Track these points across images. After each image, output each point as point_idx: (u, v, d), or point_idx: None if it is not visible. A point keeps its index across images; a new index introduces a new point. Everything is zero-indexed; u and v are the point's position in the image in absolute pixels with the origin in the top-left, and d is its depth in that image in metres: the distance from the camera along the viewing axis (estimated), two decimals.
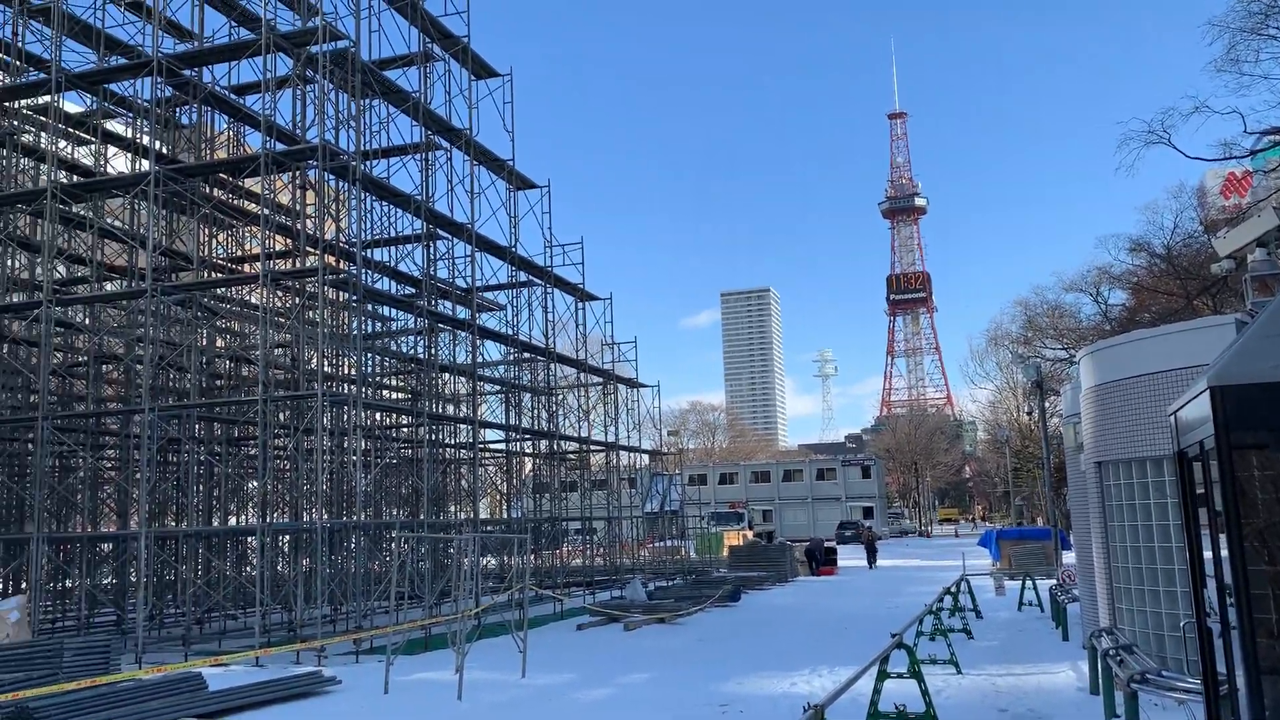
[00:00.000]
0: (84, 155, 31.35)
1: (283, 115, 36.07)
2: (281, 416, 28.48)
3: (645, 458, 47.36)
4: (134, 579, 26.13)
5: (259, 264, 24.55)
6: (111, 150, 30.82)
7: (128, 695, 13.89)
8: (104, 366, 30.67)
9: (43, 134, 29.41)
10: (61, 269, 29.16)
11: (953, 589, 23.58)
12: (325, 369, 26.15)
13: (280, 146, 25.12)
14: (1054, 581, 26.60)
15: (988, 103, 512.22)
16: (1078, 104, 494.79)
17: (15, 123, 28.96)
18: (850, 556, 53.12)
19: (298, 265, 26.84)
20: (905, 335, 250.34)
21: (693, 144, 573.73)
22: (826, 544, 46.79)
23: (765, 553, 44.40)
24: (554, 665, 18.46)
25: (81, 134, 30.50)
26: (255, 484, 29.34)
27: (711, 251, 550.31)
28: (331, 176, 25.90)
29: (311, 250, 25.70)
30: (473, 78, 31.42)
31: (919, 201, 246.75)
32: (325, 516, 23.25)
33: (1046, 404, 44.76)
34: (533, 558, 33.55)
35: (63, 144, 28.66)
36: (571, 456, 40.18)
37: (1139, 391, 13.72)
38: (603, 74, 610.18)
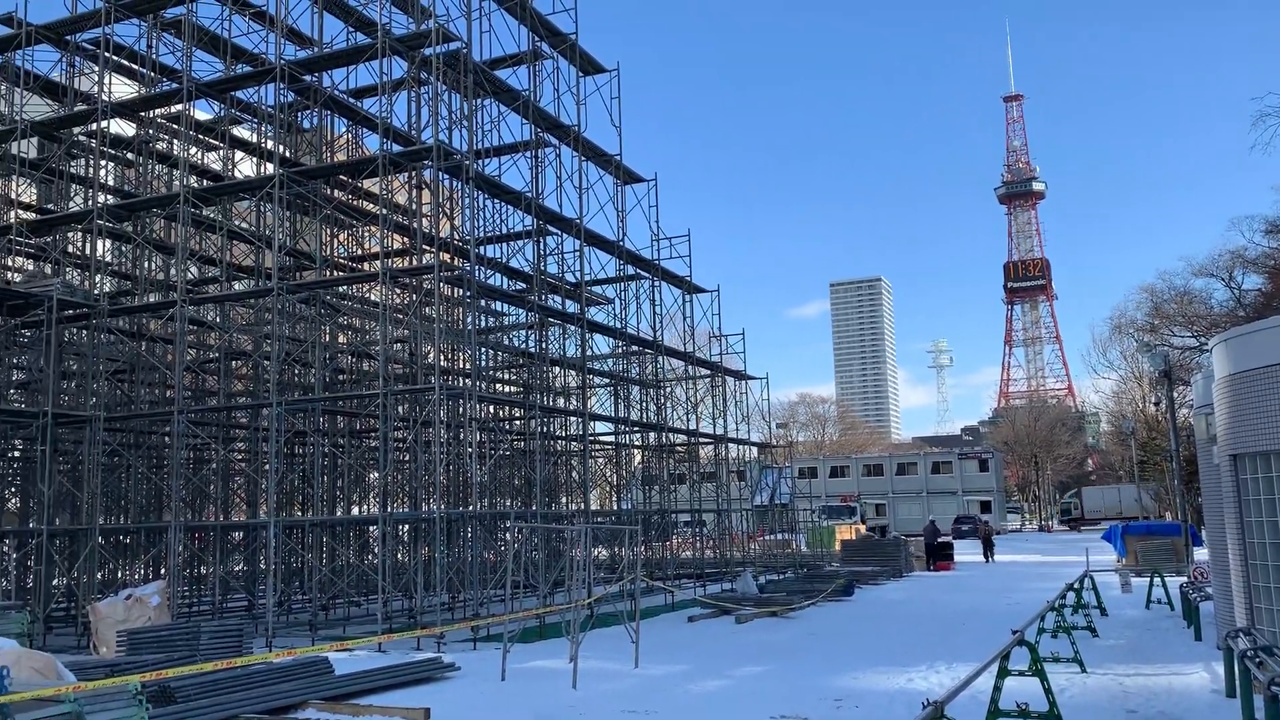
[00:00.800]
0: (213, 160, 32.83)
1: (398, 117, 37.13)
2: (400, 410, 29.31)
3: (754, 450, 47.13)
4: (263, 566, 27.28)
5: (378, 262, 25.27)
6: (238, 155, 32.13)
7: (260, 677, 14.51)
8: (233, 362, 32.05)
9: (175, 141, 30.88)
10: (194, 269, 30.55)
11: (1076, 585, 22.82)
12: (441, 363, 26.79)
13: (397, 148, 25.80)
14: (1185, 579, 25.51)
15: (1108, 83, 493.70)
16: (1206, 82, 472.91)
17: (150, 131, 30.47)
18: (967, 551, 51.97)
19: (414, 263, 27.54)
20: (1024, 324, 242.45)
21: (799, 133, 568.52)
22: (941, 538, 45.80)
23: (879, 547, 43.68)
24: (666, 656, 18.55)
25: (210, 140, 31.98)
26: (376, 475, 30.28)
27: (819, 241, 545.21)
28: (446, 176, 26.48)
29: (427, 248, 26.37)
30: (580, 74, 31.70)
31: (1037, 186, 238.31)
32: (443, 506, 23.83)
33: (1175, 394, 42.92)
34: (643, 549, 33.75)
35: (193, 150, 30.05)
36: (680, 449, 40.25)
37: (1279, 381, 13.05)
38: (710, 64, 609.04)
